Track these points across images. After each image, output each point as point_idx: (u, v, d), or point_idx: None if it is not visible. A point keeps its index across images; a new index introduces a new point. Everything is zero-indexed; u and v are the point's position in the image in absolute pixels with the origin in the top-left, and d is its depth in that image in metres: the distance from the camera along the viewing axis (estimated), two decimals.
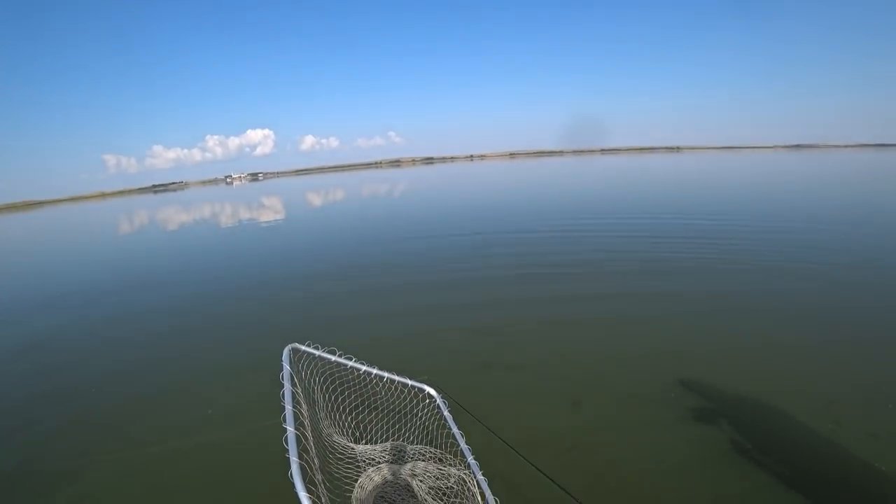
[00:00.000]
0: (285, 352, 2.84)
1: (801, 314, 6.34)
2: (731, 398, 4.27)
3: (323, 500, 2.32)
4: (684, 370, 4.82)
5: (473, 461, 2.80)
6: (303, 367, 3.13)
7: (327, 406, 3.43)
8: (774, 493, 3.13)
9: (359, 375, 3.39)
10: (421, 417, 3.54)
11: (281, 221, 22.53)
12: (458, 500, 2.91)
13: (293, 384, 2.56)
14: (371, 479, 3.16)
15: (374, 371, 3.39)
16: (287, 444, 2.05)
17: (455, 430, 3.11)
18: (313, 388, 3.23)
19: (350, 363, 3.28)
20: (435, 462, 3.32)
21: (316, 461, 2.58)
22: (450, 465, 3.23)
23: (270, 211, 29.05)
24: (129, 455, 4.10)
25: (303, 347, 3.13)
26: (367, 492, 3.01)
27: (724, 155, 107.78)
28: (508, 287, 8.25)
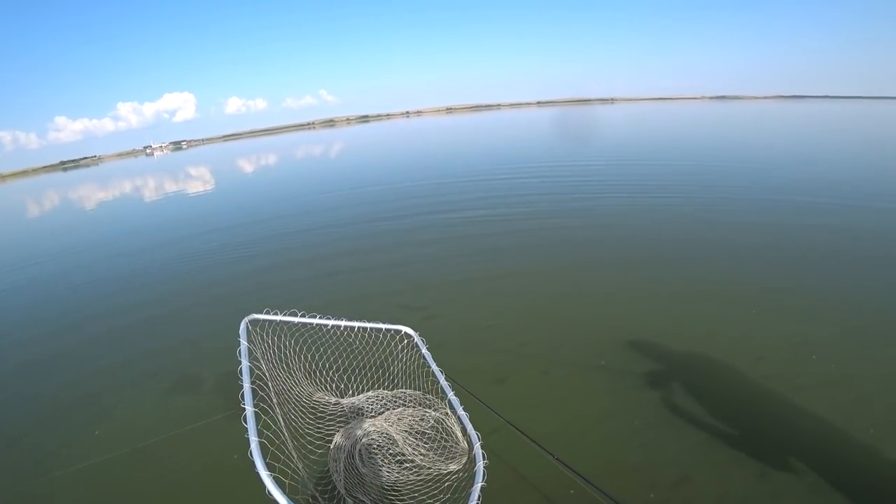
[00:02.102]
0: (242, 325, 2.74)
1: (726, 268, 6.25)
2: (660, 359, 4.25)
3: (293, 466, 2.33)
4: (611, 333, 4.70)
5: (454, 397, 2.85)
6: (269, 334, 3.04)
7: (305, 367, 3.36)
8: (698, 456, 3.14)
9: (331, 331, 3.31)
10: (403, 360, 3.53)
11: (209, 192, 20.98)
12: (438, 436, 3.01)
13: (253, 358, 2.47)
14: (348, 434, 3.16)
15: (343, 323, 3.34)
16: (246, 422, 2.02)
17: (434, 367, 3.12)
18: (286, 353, 3.14)
19: (315, 321, 3.20)
20: (415, 405, 3.38)
21: (285, 432, 2.53)
22: (432, 404, 3.29)
23: (199, 181, 27.07)
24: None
25: (262, 316, 3.05)
26: (344, 450, 3.00)
27: (656, 106, 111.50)
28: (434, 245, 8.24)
